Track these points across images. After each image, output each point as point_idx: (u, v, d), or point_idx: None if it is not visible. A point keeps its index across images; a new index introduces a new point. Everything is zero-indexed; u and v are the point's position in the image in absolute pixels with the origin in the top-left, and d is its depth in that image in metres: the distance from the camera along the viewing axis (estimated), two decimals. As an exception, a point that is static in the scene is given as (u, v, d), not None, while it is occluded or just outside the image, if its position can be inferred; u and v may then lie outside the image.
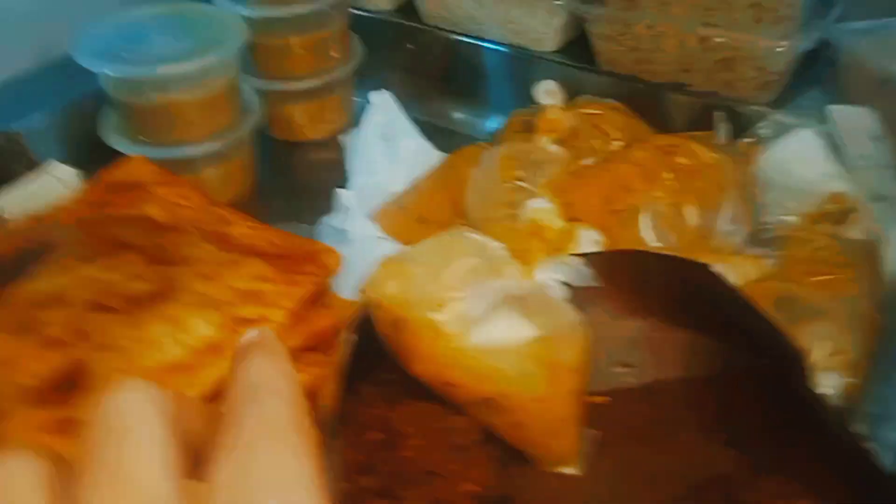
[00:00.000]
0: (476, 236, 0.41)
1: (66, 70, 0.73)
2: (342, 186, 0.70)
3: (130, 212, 0.47)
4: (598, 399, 0.42)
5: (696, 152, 0.52)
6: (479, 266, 0.39)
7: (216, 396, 0.37)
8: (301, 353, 0.44)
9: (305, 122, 0.78)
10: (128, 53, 0.63)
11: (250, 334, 0.21)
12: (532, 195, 0.51)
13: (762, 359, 0.40)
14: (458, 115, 0.81)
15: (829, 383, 0.40)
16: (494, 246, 0.40)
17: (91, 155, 0.69)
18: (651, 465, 0.39)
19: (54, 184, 0.47)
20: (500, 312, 0.38)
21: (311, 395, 0.44)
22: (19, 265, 0.41)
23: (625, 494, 0.37)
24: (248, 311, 0.40)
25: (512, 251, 0.41)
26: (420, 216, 0.60)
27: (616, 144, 0.62)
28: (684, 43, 0.64)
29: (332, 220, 0.62)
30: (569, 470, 0.39)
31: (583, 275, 0.40)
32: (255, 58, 0.73)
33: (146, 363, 0.35)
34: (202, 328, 0.38)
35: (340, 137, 0.70)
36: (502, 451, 0.38)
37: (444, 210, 0.59)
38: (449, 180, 0.60)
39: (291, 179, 0.77)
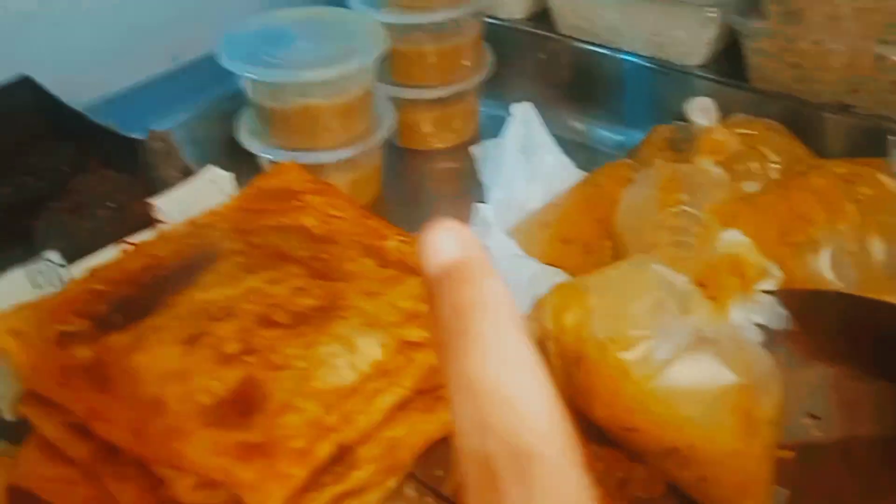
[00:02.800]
0: (661, 269, 0.38)
1: (201, 72, 0.74)
2: (469, 197, 0.68)
3: (287, 221, 0.46)
4: (785, 453, 0.38)
5: (881, 182, 0.48)
6: (666, 302, 0.36)
7: (388, 422, 0.36)
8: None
9: (432, 131, 0.77)
10: (270, 58, 0.62)
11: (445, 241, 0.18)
12: (697, 222, 0.47)
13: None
14: (589, 128, 0.78)
15: None
16: (682, 280, 0.37)
17: (226, 157, 0.70)
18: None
19: (211, 188, 0.47)
20: (690, 354, 0.35)
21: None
22: (185, 272, 0.40)
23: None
24: (414, 333, 0.38)
25: (698, 286, 0.37)
26: (563, 235, 0.57)
27: (774, 168, 0.57)
28: (855, 61, 0.59)
29: (469, 235, 0.59)
30: (759, 531, 0.35)
31: (778, 316, 0.37)
32: (389, 64, 0.72)
33: (321, 386, 0.34)
34: (373, 350, 0.36)
35: (471, 148, 0.68)
36: (685, 505, 0.35)
37: (589, 230, 0.56)
38: (595, 199, 0.57)
39: (416, 188, 0.75)
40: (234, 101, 0.69)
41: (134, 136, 0.57)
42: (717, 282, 0.37)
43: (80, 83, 0.66)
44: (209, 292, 0.38)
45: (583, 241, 0.56)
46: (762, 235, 0.48)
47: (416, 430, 0.38)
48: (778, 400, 0.36)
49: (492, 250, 0.57)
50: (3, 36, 0.64)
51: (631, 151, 0.67)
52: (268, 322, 0.37)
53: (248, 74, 0.62)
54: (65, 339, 0.35)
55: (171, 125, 0.68)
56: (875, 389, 0.39)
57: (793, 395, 0.39)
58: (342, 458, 0.36)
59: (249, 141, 0.66)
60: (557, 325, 0.37)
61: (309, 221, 0.46)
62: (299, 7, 0.70)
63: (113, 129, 0.56)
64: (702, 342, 0.36)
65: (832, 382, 0.39)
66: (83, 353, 0.34)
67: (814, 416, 0.39)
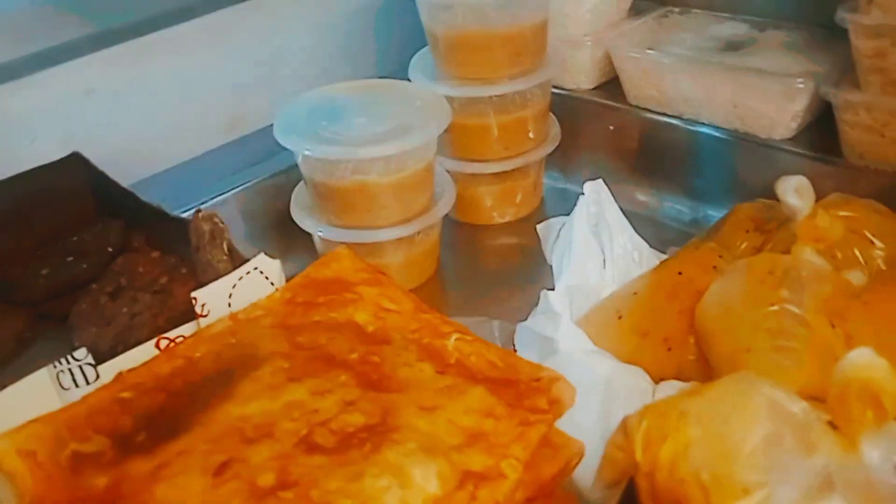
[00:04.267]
0: (769, 390, 0.31)
1: (257, 146, 0.71)
2: (531, 278, 0.62)
3: (337, 316, 0.41)
4: None
5: None
6: (784, 435, 0.30)
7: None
8: None
9: (493, 205, 0.72)
10: (327, 132, 0.59)
11: None
12: (804, 323, 0.41)
13: None
14: (660, 203, 0.72)
15: None
16: (801, 407, 0.31)
17: (278, 234, 0.67)
18: None
19: (258, 278, 0.43)
20: (816, 503, 0.29)
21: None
22: (221, 379, 0.36)
23: None
24: (477, 460, 0.33)
25: (821, 414, 0.31)
26: (640, 328, 0.51)
27: (880, 254, 0.50)
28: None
29: (534, 325, 0.54)
30: None
31: (919, 455, 0.30)
32: (450, 137, 0.68)
33: (366, 531, 0.28)
34: (429, 483, 0.31)
35: (539, 226, 0.63)
36: None
37: (671, 324, 0.50)
38: (677, 288, 0.51)
39: (476, 266, 0.70)
40: (290, 177, 0.66)
41: (181, 215, 0.54)
42: (845, 410, 0.30)
43: (133, 159, 0.64)
44: (246, 406, 0.34)
45: (663, 335, 0.50)
46: (876, 336, 0.41)
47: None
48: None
49: (560, 343, 0.51)
50: (60, 112, 0.63)
51: (710, 231, 0.60)
52: (310, 446, 0.32)
53: (303, 150, 0.59)
54: (79, 463, 0.30)
55: (224, 201, 0.65)
56: None
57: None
58: None
59: (303, 218, 0.62)
60: (649, 458, 0.31)
61: (361, 317, 0.41)
62: (359, 80, 0.68)
63: (160, 209, 0.53)
64: (829, 488, 0.29)
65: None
66: (98, 481, 0.30)
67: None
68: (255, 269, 0.43)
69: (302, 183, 0.64)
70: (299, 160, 0.61)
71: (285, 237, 0.65)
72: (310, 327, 0.40)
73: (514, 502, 0.35)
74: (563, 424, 0.39)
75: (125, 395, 0.35)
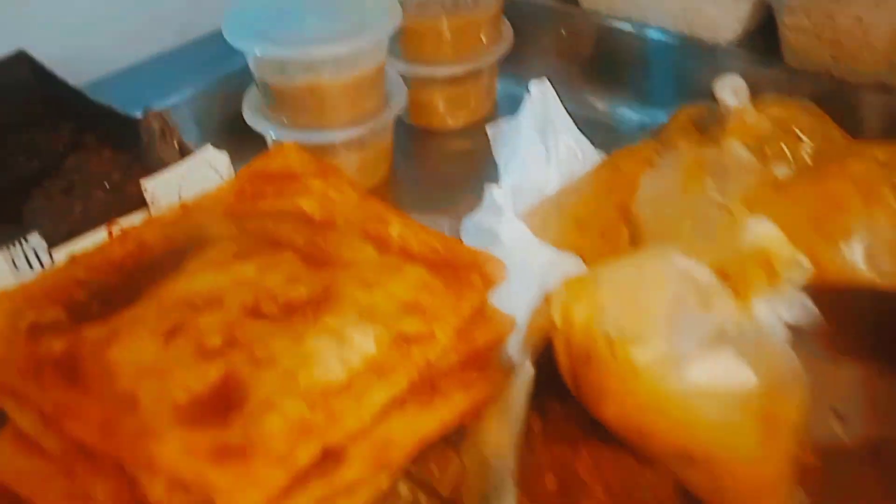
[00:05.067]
0: (681, 260, 0.35)
1: (207, 49, 0.72)
2: (484, 179, 0.65)
3: (284, 205, 0.43)
4: (808, 455, 0.35)
5: (923, 168, 0.44)
6: (685, 295, 0.33)
7: (381, 419, 0.34)
8: (459, 374, 0.40)
9: (446, 109, 0.74)
10: (277, 33, 0.60)
11: None
12: (724, 209, 0.44)
13: None
14: (611, 107, 0.75)
15: None
16: (703, 272, 0.34)
17: (231, 136, 0.68)
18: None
19: (206, 170, 0.45)
20: (710, 353, 0.33)
21: (468, 419, 0.39)
22: (171, 259, 0.38)
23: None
24: (412, 325, 0.36)
25: (722, 279, 0.35)
26: (579, 220, 0.54)
27: (807, 151, 0.54)
28: (898, 37, 0.55)
29: (480, 218, 0.57)
30: (779, 543, 0.33)
31: (808, 312, 0.34)
32: (402, 40, 0.69)
33: (306, 383, 0.32)
34: (366, 344, 0.34)
35: (487, 128, 0.65)
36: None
37: (607, 215, 0.53)
38: (614, 183, 0.54)
39: (429, 169, 0.73)
40: (241, 79, 0.66)
41: (132, 115, 0.55)
42: (742, 275, 0.34)
43: (81, 60, 0.64)
44: (195, 281, 0.36)
45: (599, 227, 0.53)
46: (792, 224, 0.44)
47: (411, 428, 0.36)
48: (802, 403, 0.33)
49: (502, 236, 0.54)
50: (6, 11, 0.63)
51: (654, 132, 0.63)
52: (256, 313, 0.35)
53: (253, 51, 0.60)
54: (37, 330, 0.33)
55: (175, 103, 0.66)
56: (911, 392, 0.36)
57: (819, 394, 0.36)
58: (330, 455, 0.34)
59: (255, 120, 0.64)
60: (566, 320, 0.34)
61: (308, 205, 0.44)
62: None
63: (111, 109, 0.55)
64: (722, 339, 0.33)
65: (861, 381, 0.37)
66: (55, 345, 0.32)
67: (841, 417, 0.36)
68: (204, 160, 0.45)
69: (253, 86, 0.65)
70: (250, 62, 0.62)
71: (238, 140, 0.66)
72: (257, 215, 0.43)
73: (448, 365, 0.38)
74: (502, 307, 0.42)
75: (79, 274, 0.37)
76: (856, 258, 0.43)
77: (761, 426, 0.32)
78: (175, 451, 0.28)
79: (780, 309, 0.34)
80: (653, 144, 0.57)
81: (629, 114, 0.74)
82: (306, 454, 0.29)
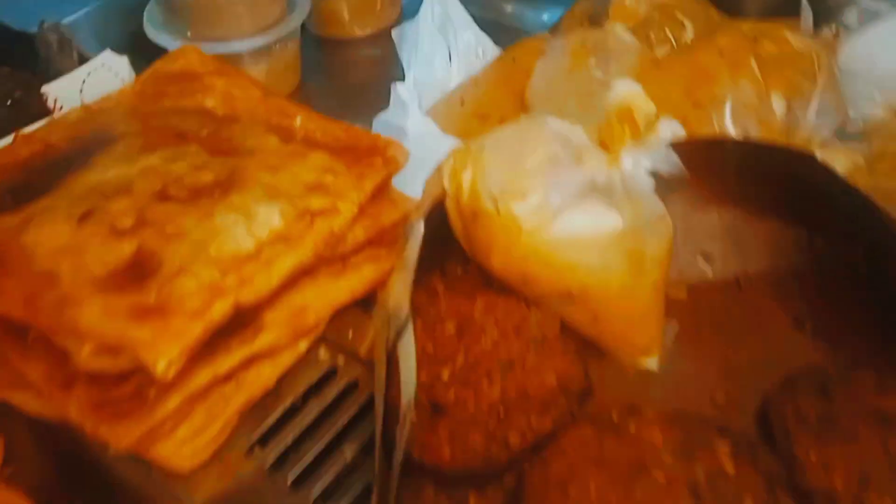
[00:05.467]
0: (556, 123, 0.39)
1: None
2: (393, 83, 0.67)
3: (187, 103, 0.45)
4: (678, 292, 0.40)
5: (784, 38, 0.49)
6: (559, 154, 0.37)
7: (286, 285, 0.37)
8: (366, 248, 0.43)
9: (353, 17, 0.75)
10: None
11: None
12: (605, 84, 0.48)
13: (859, 250, 0.38)
14: (509, 7, 0.77)
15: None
16: (576, 132, 0.38)
17: (135, 51, 0.68)
18: (734, 357, 0.37)
19: (107, 75, 0.46)
20: (582, 203, 0.37)
21: (377, 288, 0.43)
22: (79, 155, 0.40)
23: (706, 387, 0.36)
24: (316, 201, 0.39)
25: (595, 139, 0.38)
26: (480, 111, 0.57)
27: (690, 33, 0.58)
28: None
29: (388, 117, 0.59)
30: (648, 364, 0.38)
31: (671, 163, 0.38)
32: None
33: (217, 253, 0.34)
34: (272, 218, 0.37)
35: (393, 31, 0.67)
36: (579, 345, 0.37)
37: (506, 105, 0.56)
38: (511, 74, 0.57)
39: (339, 77, 0.74)
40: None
41: (27, 30, 0.55)
42: (609, 131, 0.37)
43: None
44: (104, 173, 0.38)
45: (500, 115, 0.56)
46: (668, 95, 0.49)
47: (324, 296, 0.39)
48: (666, 241, 0.37)
49: (409, 130, 0.57)
50: None
51: (552, 28, 0.66)
52: (164, 197, 0.37)
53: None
54: (-48, 223, 0.35)
55: (74, 21, 0.66)
56: (765, 228, 0.40)
57: (688, 238, 0.41)
58: (250, 321, 0.37)
59: (157, 34, 0.64)
60: (455, 185, 0.38)
61: (211, 102, 0.46)
62: None
63: (5, 26, 0.54)
64: (593, 190, 0.37)
65: (726, 225, 0.41)
66: (-28, 234, 0.34)
67: (708, 257, 0.41)
68: (103, 64, 0.46)
69: (152, 2, 0.65)
70: (147, -27, 0.62)
71: (141, 56, 0.66)
72: (161, 112, 0.44)
73: (357, 241, 0.42)
74: (410, 193, 0.45)
75: (-12, 174, 0.39)
76: (725, 122, 0.48)
77: (629, 263, 0.36)
78: (96, 315, 0.31)
79: (646, 161, 0.38)
80: (546, 36, 0.60)
81: (533, 14, 0.77)
82: (220, 310, 0.32)
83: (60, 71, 0.52)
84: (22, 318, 0.32)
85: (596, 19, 0.62)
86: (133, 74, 0.47)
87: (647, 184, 0.38)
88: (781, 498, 0.30)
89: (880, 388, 0.33)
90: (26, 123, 0.51)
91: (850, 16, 0.59)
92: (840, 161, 0.46)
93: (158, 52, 0.64)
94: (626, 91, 0.38)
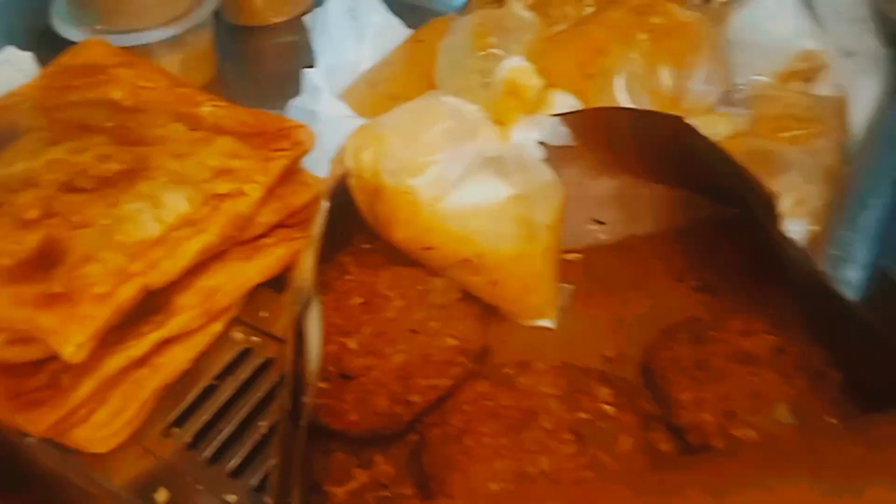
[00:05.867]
0: (451, 100, 0.41)
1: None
2: (310, 68, 0.68)
3: (93, 95, 0.46)
4: (572, 256, 0.43)
5: (671, 11, 0.52)
6: (454, 129, 0.39)
7: (195, 269, 0.38)
8: (277, 229, 0.45)
9: (267, 5, 0.76)
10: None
11: None
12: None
13: (734, 207, 0.41)
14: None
15: (794, 230, 0.42)
16: (470, 109, 0.40)
17: (42, 45, 0.67)
18: (623, 313, 0.40)
19: (10, 70, 0.46)
20: (476, 174, 0.39)
21: (289, 267, 0.45)
22: (-16, 152, 0.41)
23: (598, 342, 0.39)
24: (224, 186, 0.40)
25: (489, 114, 0.41)
26: (391, 93, 0.59)
27: (589, 9, 0.61)
28: None
29: (301, 102, 0.61)
30: (544, 323, 0.41)
31: (559, 134, 0.41)
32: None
33: (124, 239, 0.36)
34: (179, 203, 0.38)
35: (306, 17, 0.68)
36: (480, 309, 0.40)
37: (415, 85, 0.58)
38: (419, 55, 0.59)
39: (255, 65, 0.75)
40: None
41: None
42: (499, 106, 0.40)
43: None
44: (9, 167, 0.39)
45: (410, 96, 0.57)
46: (563, 69, 0.52)
47: (235, 278, 0.41)
48: (556, 208, 0.40)
49: (322, 114, 0.58)
50: None
51: (461, 8, 0.68)
52: (70, 188, 0.38)
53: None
54: None
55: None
56: (652, 193, 0.44)
57: (582, 205, 0.44)
58: (161, 306, 0.38)
59: (65, 28, 0.64)
60: (357, 163, 0.40)
61: (117, 94, 0.47)
62: None
63: None
64: (486, 163, 0.39)
65: (616, 192, 0.44)
66: None
67: (599, 222, 0.44)
68: (7, 61, 0.46)
69: (59, -5, 0.65)
70: (51, -33, 0.62)
71: (49, 52, 0.66)
72: (67, 105, 0.45)
73: (268, 224, 0.43)
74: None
75: None
76: (617, 94, 0.51)
77: (521, 230, 0.39)
78: (4, 305, 0.32)
79: (536, 133, 0.40)
80: (452, 16, 0.62)
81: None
82: (127, 293, 0.34)
83: (-38, 68, 0.51)
84: (-70, 312, 0.33)
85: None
86: (38, 69, 0.47)
87: (538, 154, 0.41)
88: (656, 434, 0.33)
89: (747, 331, 0.36)
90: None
91: (739, -12, 0.63)
92: (721, 125, 0.50)
93: (67, 46, 0.64)
94: (514, 67, 0.40)
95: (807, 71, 0.58)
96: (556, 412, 0.33)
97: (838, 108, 0.55)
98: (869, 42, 0.58)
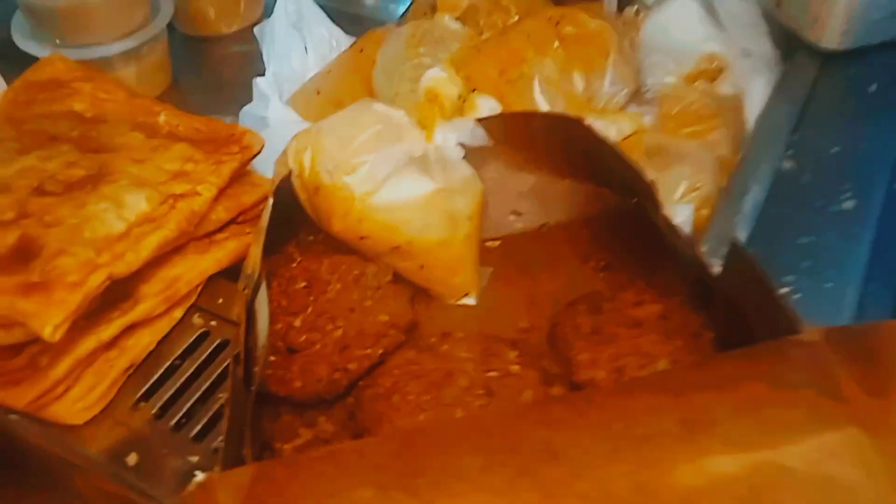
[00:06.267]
0: (381, 107, 0.46)
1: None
2: (260, 76, 0.74)
3: (57, 107, 0.51)
4: (493, 243, 0.49)
5: (582, 22, 0.58)
6: (384, 133, 0.45)
7: (156, 261, 0.44)
8: (230, 225, 0.50)
9: (219, 16, 0.81)
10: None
11: None
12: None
13: (630, 197, 0.48)
14: (376, 2, 0.84)
15: (683, 214, 0.48)
16: (398, 114, 0.46)
17: (4, 59, 0.71)
18: (536, 291, 0.46)
19: (-22, 86, 0.51)
20: (403, 172, 0.45)
21: (242, 259, 0.50)
22: (-41, 161, 0.45)
23: (513, 316, 0.45)
24: (180, 187, 0.46)
25: (416, 119, 0.47)
26: (334, 99, 0.65)
27: (514, 17, 0.67)
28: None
29: (252, 109, 0.66)
30: (467, 301, 0.46)
31: (477, 136, 0.46)
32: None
33: (91, 235, 0.41)
34: (139, 203, 0.43)
35: (255, 29, 0.73)
36: (410, 290, 0.46)
37: (357, 92, 0.64)
38: (359, 63, 0.65)
39: (209, 74, 0.80)
40: (4, 5, 0.70)
41: None
42: (422, 112, 0.46)
43: None
44: (-17, 175, 0.44)
45: (352, 101, 0.63)
46: (486, 75, 0.58)
47: (192, 268, 0.46)
48: (476, 200, 0.46)
49: (271, 119, 0.64)
50: None
51: (399, 19, 0.74)
52: (41, 192, 0.43)
53: (9, -26, 0.64)
54: None
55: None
56: (563, 187, 0.50)
57: (502, 199, 0.50)
58: (128, 294, 0.43)
59: (26, 43, 0.68)
60: (298, 164, 0.45)
61: (79, 106, 0.51)
62: None
63: None
64: (412, 161, 0.45)
65: (532, 186, 0.50)
66: None
67: (517, 213, 0.50)
68: (-26, 78, 0.51)
69: (18, 11, 0.69)
70: (10, -14, 0.66)
71: (11, 65, 0.70)
72: (33, 118, 0.50)
73: (219, 219, 0.49)
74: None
75: None
76: (535, 97, 0.57)
77: (444, 220, 0.45)
78: (-12, 293, 0.37)
79: (455, 136, 0.46)
80: (391, 27, 0.68)
81: (392, 7, 0.84)
82: (95, 281, 0.39)
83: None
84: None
85: (434, 9, 0.71)
86: (4, 85, 0.52)
87: (457, 154, 0.47)
88: (556, 388, 0.39)
89: (637, 302, 0.42)
90: None
91: (649, -3, 0.69)
92: (625, 123, 0.56)
93: (27, 59, 0.68)
94: (433, 77, 0.46)
95: (711, 71, 0.65)
96: (471, 372, 0.38)
97: (736, 104, 0.62)
98: (763, 44, 0.65)
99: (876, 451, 0.25)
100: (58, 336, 0.37)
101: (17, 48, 0.68)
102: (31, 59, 0.68)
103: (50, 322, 0.37)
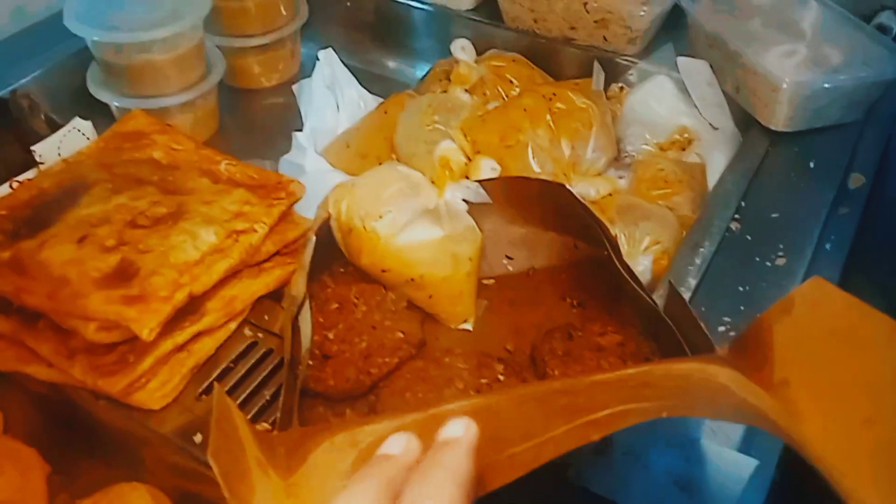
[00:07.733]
0: (403, 168, 0.59)
1: (46, 32, 0.87)
2: (294, 127, 0.87)
3: (139, 155, 0.63)
4: (488, 281, 0.61)
5: (570, 99, 0.71)
6: (405, 189, 0.58)
7: (219, 283, 0.56)
8: (275, 256, 0.62)
9: (261, 72, 0.94)
10: (111, 20, 0.77)
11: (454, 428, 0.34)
12: (446, 136, 0.69)
13: (602, 249, 0.60)
14: (390, 63, 0.98)
15: (643, 264, 0.60)
16: (416, 175, 0.59)
17: (79, 106, 0.84)
18: (521, 321, 0.58)
19: (76, 134, 0.63)
20: (419, 221, 0.57)
21: (284, 283, 0.62)
22: (67, 197, 0.58)
23: (502, 340, 0.57)
24: (240, 225, 0.58)
25: (429, 178, 0.59)
26: (361, 152, 0.78)
27: (517, 90, 0.80)
28: (570, 6, 0.82)
29: (291, 157, 0.79)
30: (465, 326, 0.58)
31: (479, 194, 0.59)
32: (216, 18, 0.88)
33: (175, 261, 0.53)
34: (209, 237, 0.56)
35: (294, 86, 0.87)
36: (421, 314, 0.58)
37: (380, 147, 0.77)
38: (383, 122, 0.78)
39: (250, 121, 0.93)
40: (81, 58, 0.83)
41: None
42: (435, 174, 0.58)
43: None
44: (88, 209, 0.56)
45: (375, 155, 0.77)
46: (489, 142, 0.70)
47: (246, 290, 0.58)
48: (476, 246, 0.58)
49: (307, 168, 0.76)
50: None
51: (420, 81, 0.87)
52: (134, 225, 0.55)
53: (93, 37, 0.77)
54: (-11, 247, 0.52)
55: (23, 85, 0.82)
56: (548, 238, 0.62)
57: (497, 246, 0.62)
58: (196, 308, 0.56)
59: (100, 92, 0.81)
60: (336, 210, 0.57)
61: (157, 154, 0.64)
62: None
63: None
64: (426, 213, 0.57)
65: (523, 237, 0.62)
66: (3, 254, 0.52)
67: (509, 258, 0.62)
68: (74, 128, 0.64)
69: (94, 62, 0.82)
70: (90, 44, 0.79)
71: (86, 110, 0.83)
72: (121, 163, 0.62)
73: (268, 252, 0.61)
74: (309, 215, 0.65)
75: (2, 212, 0.56)
76: (529, 161, 0.70)
77: (450, 260, 0.57)
78: (100, 303, 0.49)
79: (462, 194, 0.59)
80: (411, 93, 0.81)
81: (409, 70, 0.98)
82: (180, 297, 0.51)
83: (33, 129, 0.69)
84: (46, 308, 0.50)
85: (449, 76, 0.84)
86: (95, 133, 0.65)
87: (463, 208, 0.59)
88: (531, 395, 0.51)
89: (601, 332, 0.54)
90: (10, 174, 0.67)
91: (632, 76, 0.83)
92: (602, 185, 0.69)
93: (100, 105, 0.81)
94: (446, 148, 0.59)
95: (682, 142, 0.78)
96: (467, 379, 0.50)
97: (700, 172, 0.74)
98: (726, 121, 0.78)
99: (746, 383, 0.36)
100: (152, 337, 0.49)
101: (90, 97, 0.81)
102: (104, 107, 0.81)
103: (147, 325, 0.49)
